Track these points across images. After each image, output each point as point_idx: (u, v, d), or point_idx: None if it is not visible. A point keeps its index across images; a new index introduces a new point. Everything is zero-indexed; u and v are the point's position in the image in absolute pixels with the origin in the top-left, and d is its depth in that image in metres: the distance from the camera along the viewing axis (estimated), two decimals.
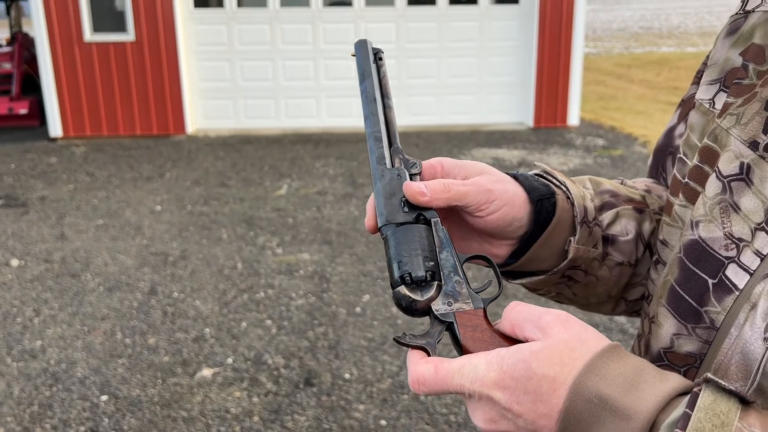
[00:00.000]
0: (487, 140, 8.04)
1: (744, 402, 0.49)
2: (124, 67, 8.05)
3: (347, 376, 3.23)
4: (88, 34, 7.87)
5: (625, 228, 0.78)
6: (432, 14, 8.44)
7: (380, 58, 0.76)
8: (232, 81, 8.49)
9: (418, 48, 8.49)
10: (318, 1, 8.31)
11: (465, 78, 8.62)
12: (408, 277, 0.63)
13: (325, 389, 3.13)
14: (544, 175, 0.77)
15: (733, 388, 0.49)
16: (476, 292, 0.65)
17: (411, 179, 0.69)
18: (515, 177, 0.73)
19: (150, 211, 5.66)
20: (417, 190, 0.66)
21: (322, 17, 8.36)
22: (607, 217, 0.77)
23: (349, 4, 8.40)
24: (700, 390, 0.49)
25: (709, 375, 0.50)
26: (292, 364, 3.34)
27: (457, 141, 8.03)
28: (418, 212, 0.67)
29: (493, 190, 0.69)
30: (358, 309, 3.90)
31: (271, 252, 4.76)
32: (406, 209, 0.67)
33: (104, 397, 3.09)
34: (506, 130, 8.51)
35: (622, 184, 0.84)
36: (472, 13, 8.47)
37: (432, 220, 0.67)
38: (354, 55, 0.77)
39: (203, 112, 8.54)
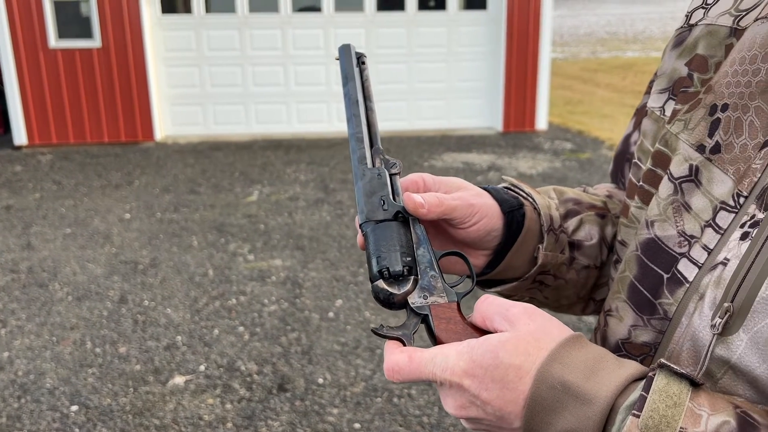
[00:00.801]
0: (457, 145, 8.12)
1: (694, 384, 0.53)
2: (90, 74, 7.95)
3: (321, 380, 3.24)
4: (53, 41, 7.76)
5: (589, 233, 0.83)
6: (401, 20, 8.50)
7: (363, 62, 0.79)
8: (201, 87, 8.44)
9: (387, 53, 8.54)
10: (287, 6, 8.31)
11: (434, 83, 8.69)
12: (386, 272, 0.66)
13: (299, 394, 3.13)
14: (512, 187, 0.83)
15: (684, 371, 0.52)
16: (451, 287, 0.68)
17: (391, 179, 0.72)
18: (487, 190, 0.78)
19: (119, 219, 5.60)
20: (418, 202, 0.69)
21: (292, 23, 8.37)
22: (572, 223, 0.82)
23: (319, 9, 8.42)
24: (654, 374, 0.53)
25: (663, 360, 0.53)
26: (265, 370, 3.33)
27: (428, 146, 8.08)
28: (397, 210, 0.70)
29: (474, 204, 0.74)
30: (331, 314, 3.91)
31: (242, 258, 4.75)
32: (385, 207, 0.70)
33: (74, 408, 3.06)
34: (476, 134, 8.60)
35: (584, 191, 0.89)
36: (440, 18, 8.55)
37: (410, 217, 0.70)
38: (338, 59, 0.80)
39: (172, 118, 8.47)
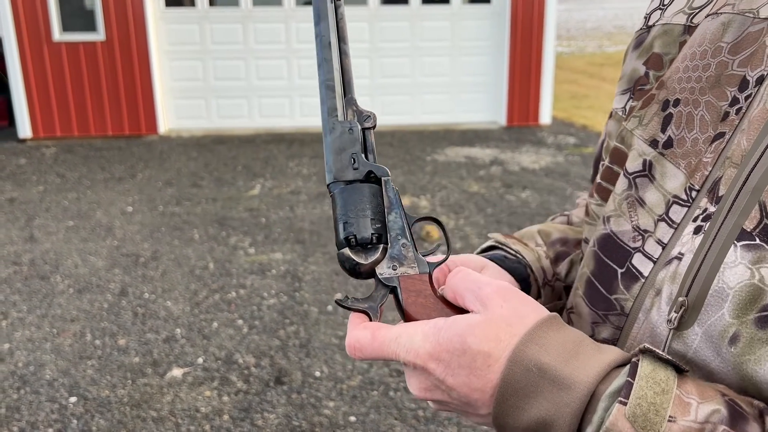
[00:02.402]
0: (460, 139, 8.10)
1: (679, 371, 0.51)
2: (94, 67, 7.97)
3: (317, 373, 3.25)
4: (57, 34, 7.78)
5: None
6: (405, 13, 8.48)
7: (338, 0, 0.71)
8: (204, 80, 8.45)
9: (391, 47, 8.52)
10: (291, 0, 8.30)
11: (438, 77, 8.67)
12: (353, 239, 0.62)
13: (296, 387, 3.14)
14: (499, 245, 0.81)
15: (669, 357, 0.51)
16: (424, 256, 0.64)
17: (364, 133, 0.66)
18: (493, 260, 0.76)
19: (121, 212, 5.62)
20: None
21: (295, 16, 8.36)
22: (563, 268, 0.81)
23: None
24: (638, 360, 0.51)
25: (647, 345, 0.51)
26: (262, 363, 3.35)
27: (431, 140, 8.07)
28: (369, 170, 0.64)
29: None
30: (329, 307, 3.92)
31: (243, 252, 4.76)
32: (356, 166, 0.64)
33: (73, 399, 3.08)
34: (479, 129, 8.58)
35: (569, 222, 0.88)
36: (444, 12, 8.52)
37: (383, 178, 0.64)
38: None
39: (176, 111, 8.48)
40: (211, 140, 8.10)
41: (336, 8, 0.69)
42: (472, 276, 0.60)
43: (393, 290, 0.62)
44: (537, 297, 0.78)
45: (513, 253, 0.79)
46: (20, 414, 2.98)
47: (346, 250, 0.62)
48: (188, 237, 5.05)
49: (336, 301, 0.63)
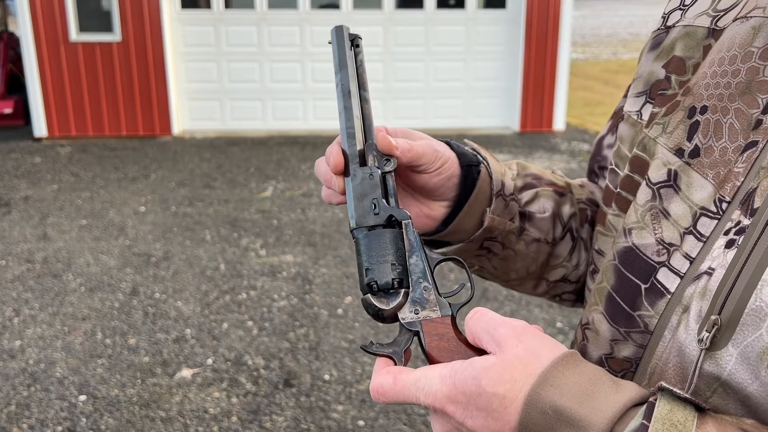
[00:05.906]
0: None
1: (699, 409, 0.49)
2: (110, 68, 8.02)
3: (327, 377, 3.24)
4: (74, 34, 7.84)
5: (542, 206, 0.82)
6: (419, 18, 8.48)
7: (357, 45, 0.73)
8: (219, 82, 8.48)
9: (405, 51, 8.52)
10: (306, 3, 8.32)
11: (452, 82, 8.65)
12: (375, 285, 0.63)
13: (305, 390, 3.13)
14: (471, 149, 0.81)
15: (688, 396, 0.49)
16: (446, 297, 0.64)
17: (384, 177, 0.68)
18: (447, 144, 0.77)
19: (134, 212, 5.64)
20: (393, 144, 0.68)
21: (310, 19, 8.38)
22: (526, 195, 0.81)
23: (337, 6, 8.42)
24: (655, 399, 0.49)
25: (664, 384, 0.49)
26: (272, 365, 3.34)
27: None
28: (390, 214, 0.66)
29: (439, 150, 0.73)
30: (339, 311, 3.91)
31: (254, 253, 4.76)
32: (377, 211, 0.66)
33: (83, 397, 3.09)
34: (492, 134, 8.55)
35: (552, 173, 0.89)
36: (459, 17, 8.51)
37: (403, 222, 0.66)
38: (330, 43, 0.74)
39: (190, 113, 8.52)
40: (225, 142, 8.13)
41: (355, 55, 0.73)
42: (487, 316, 0.58)
43: (416, 334, 0.63)
44: (488, 202, 0.76)
45: (482, 158, 0.78)
46: (30, 411, 2.98)
47: (369, 297, 0.63)
48: (200, 238, 5.06)
49: (361, 347, 0.63)
